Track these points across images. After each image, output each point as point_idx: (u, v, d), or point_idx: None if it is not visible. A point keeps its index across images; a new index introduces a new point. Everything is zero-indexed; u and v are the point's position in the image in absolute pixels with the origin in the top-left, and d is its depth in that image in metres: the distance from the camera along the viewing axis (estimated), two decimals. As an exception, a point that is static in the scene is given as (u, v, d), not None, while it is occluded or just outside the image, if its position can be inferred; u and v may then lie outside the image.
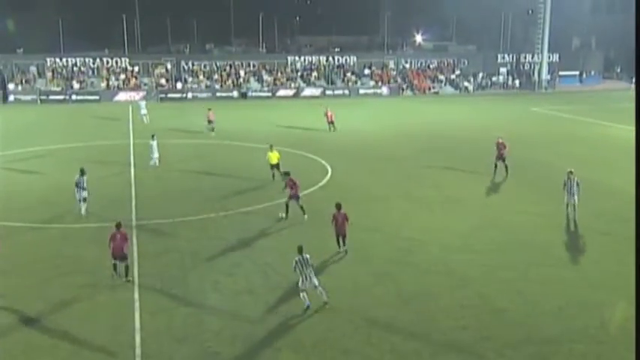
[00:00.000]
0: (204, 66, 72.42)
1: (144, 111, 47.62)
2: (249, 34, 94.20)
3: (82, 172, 23.66)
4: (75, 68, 68.05)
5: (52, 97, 62.88)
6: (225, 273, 18.42)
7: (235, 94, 68.18)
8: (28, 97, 62.44)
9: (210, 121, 42.33)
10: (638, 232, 13.22)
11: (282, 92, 69.24)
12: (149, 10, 77.70)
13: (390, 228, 22.52)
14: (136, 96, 63.66)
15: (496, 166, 29.54)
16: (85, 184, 23.47)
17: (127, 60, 70.55)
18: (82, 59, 68.99)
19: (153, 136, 32.50)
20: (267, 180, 28.37)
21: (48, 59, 67.75)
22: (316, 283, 15.81)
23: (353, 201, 24.08)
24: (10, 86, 63.46)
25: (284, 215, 23.11)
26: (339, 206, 19.68)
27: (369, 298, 16.59)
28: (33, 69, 66.71)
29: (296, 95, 69.11)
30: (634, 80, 64.70)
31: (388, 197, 26.68)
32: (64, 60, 68.39)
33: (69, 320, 15.35)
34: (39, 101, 62.25)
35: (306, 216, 22.87)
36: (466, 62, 79.79)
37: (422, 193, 27.30)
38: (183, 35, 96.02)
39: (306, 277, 15.67)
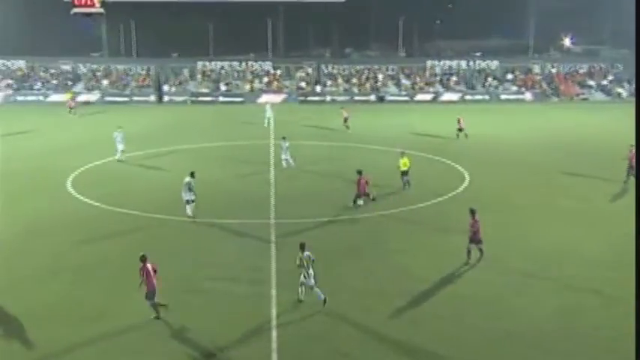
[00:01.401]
0: (343, 70, 73.56)
1: (268, 114, 49.21)
2: (388, 38, 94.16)
3: (192, 175, 24.14)
4: (222, 71, 71.96)
5: (201, 98, 66.85)
6: (356, 274, 18.57)
7: (373, 97, 68.48)
8: (181, 98, 66.80)
9: (345, 119, 45.37)
10: (638, 232, 11.98)
11: (420, 97, 68.56)
12: (292, 15, 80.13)
13: (528, 238, 21.57)
14: (277, 98, 66.00)
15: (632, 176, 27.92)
16: (193, 187, 23.74)
17: (270, 64, 73.45)
18: (229, 63, 72.95)
19: (284, 138, 33.49)
20: (398, 185, 28.14)
21: (199, 63, 72.23)
22: (312, 283, 16.18)
23: (491, 209, 23.36)
24: (165, 88, 68.27)
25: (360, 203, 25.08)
26: (473, 212, 19.12)
27: (506, 310, 15.99)
28: (185, 72, 71.36)
29: (434, 100, 68.13)
30: None
31: (528, 206, 25.59)
32: (213, 63, 72.65)
33: (206, 310, 16.19)
34: (189, 102, 66.39)
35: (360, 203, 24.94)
36: (620, 67, 74.47)
37: (564, 204, 25.89)
38: (324, 39, 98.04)
39: (307, 274, 16.16)
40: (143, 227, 22.95)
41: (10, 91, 64.99)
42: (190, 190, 23.67)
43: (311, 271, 16.28)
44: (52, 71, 69.55)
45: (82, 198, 26.64)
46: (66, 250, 20.48)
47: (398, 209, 25.11)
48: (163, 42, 77.21)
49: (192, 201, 23.70)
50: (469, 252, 19.06)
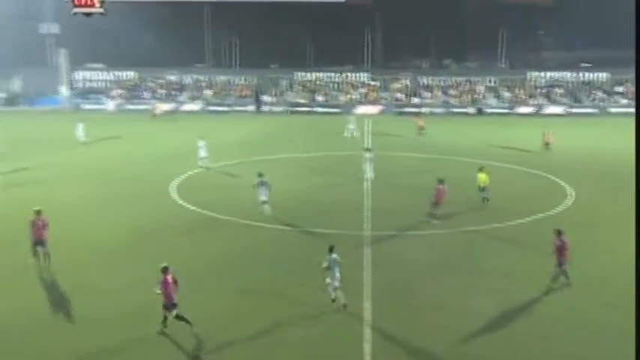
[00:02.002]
0: (441, 81, 72.55)
1: (352, 126, 49.31)
2: (487, 49, 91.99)
3: (261, 176, 25.82)
4: (320, 82, 72.90)
5: (298, 108, 68.04)
6: (450, 291, 18.11)
7: (471, 110, 67.08)
8: (279, 108, 68.29)
9: (421, 127, 48.09)
10: (638, 232, 11.10)
11: (521, 109, 66.45)
12: (391, 27, 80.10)
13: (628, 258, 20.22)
14: (373, 110, 66.08)
15: None
16: (265, 187, 25.41)
17: (368, 75, 73.66)
18: (326, 74, 73.83)
19: (368, 150, 33.28)
20: (491, 201, 27.23)
21: (297, 74, 73.60)
22: (337, 285, 16.43)
23: (593, 225, 22.15)
24: (264, 98, 70.03)
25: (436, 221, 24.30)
26: (559, 233, 18.15)
27: (597, 330, 15.10)
28: (284, 83, 72.90)
29: (537, 113, 65.78)
30: None
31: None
32: (311, 74, 73.77)
33: (299, 318, 16.31)
34: (287, 112, 67.70)
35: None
36: None
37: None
38: (422, 51, 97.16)
39: (333, 276, 16.37)
40: (240, 233, 23.51)
41: (121, 101, 68.90)
42: (264, 190, 25.32)
43: (338, 274, 16.44)
44: (160, 81, 73.11)
45: (185, 204, 27.65)
46: (170, 254, 21.27)
47: (492, 225, 24.32)
48: (263, 53, 79.27)
49: (265, 202, 25.19)
50: (562, 274, 18.11)
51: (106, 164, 36.85)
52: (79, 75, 73.58)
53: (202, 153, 35.22)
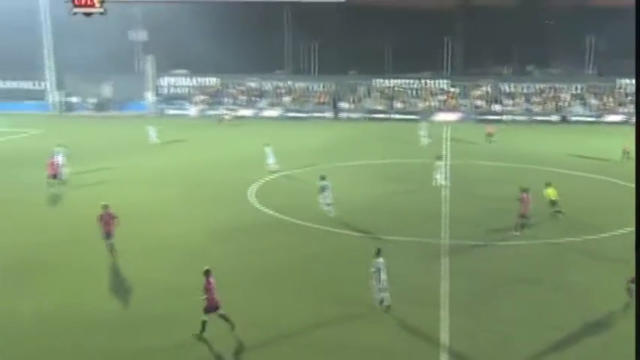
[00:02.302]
0: (523, 88, 70.56)
1: (423, 132, 48.68)
2: (573, 55, 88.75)
3: (324, 179, 26.48)
4: (398, 89, 72.47)
5: (375, 115, 67.86)
6: (532, 304, 17.55)
7: (555, 117, 64.88)
8: (356, 115, 68.36)
9: (490, 134, 48.14)
10: (638, 233, 11.32)
11: (610, 118, 63.67)
12: (471, 32, 78.68)
13: None
14: (452, 117, 65.07)
15: None
16: (326, 190, 26.01)
17: (447, 82, 72.60)
18: (404, 80, 73.30)
19: (440, 158, 33.13)
20: (571, 213, 26.07)
21: (374, 80, 73.47)
22: (385, 286, 16.68)
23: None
24: (342, 104, 70.29)
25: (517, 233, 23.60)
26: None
27: None
28: (361, 89, 72.93)
29: (627, 122, 62.79)
30: None
31: None
32: (389, 81, 73.45)
33: (370, 325, 16.21)
34: (364, 119, 67.66)
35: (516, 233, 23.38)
36: None
37: None
38: (504, 57, 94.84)
39: (379, 279, 16.63)
40: (316, 239, 23.69)
41: (204, 106, 70.91)
42: (327, 192, 26.02)
43: (384, 276, 16.70)
44: (241, 88, 74.77)
45: (262, 208, 28.08)
46: (246, 257, 21.70)
47: (571, 238, 23.41)
48: (342, 60, 79.59)
49: (330, 204, 25.92)
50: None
51: (184, 168, 37.90)
52: (164, 81, 76.27)
53: (270, 159, 36.23)
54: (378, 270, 16.79)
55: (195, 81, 76.24)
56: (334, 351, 14.91)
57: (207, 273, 15.40)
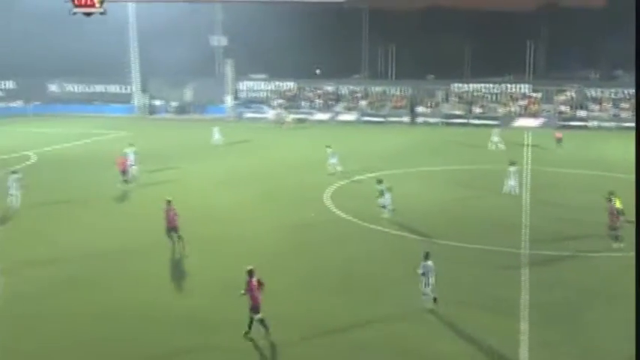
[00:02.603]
0: (611, 93, 67.42)
1: (497, 138, 47.53)
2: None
3: (381, 182, 26.92)
4: (477, 93, 70.85)
5: (453, 120, 66.57)
6: (613, 322, 16.55)
7: (647, 124, 61.63)
8: (434, 120, 67.31)
9: (559, 139, 45.90)
10: (638, 232, 12.01)
11: None
12: (555, 35, 76.13)
13: None
14: (533, 123, 63.04)
15: None
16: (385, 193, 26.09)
17: (529, 86, 70.34)
18: (484, 85, 71.57)
19: (513, 163, 31.98)
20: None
21: (453, 85, 72.13)
22: (429, 290, 16.82)
23: None
24: (419, 109, 69.42)
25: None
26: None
27: None
28: (439, 94, 71.77)
29: None
30: None
31: None
32: (468, 85, 71.94)
33: (455, 334, 15.79)
34: (441, 124, 66.54)
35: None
36: None
37: None
38: (590, 60, 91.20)
39: (427, 282, 16.74)
40: (390, 244, 23.51)
41: (281, 110, 71.82)
42: (384, 196, 26.12)
43: (432, 280, 16.79)
44: (318, 92, 75.23)
45: (339, 213, 28.01)
46: (324, 261, 21.72)
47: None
48: (420, 64, 78.81)
49: (385, 207, 26.01)
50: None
51: (260, 170, 38.35)
52: (243, 85, 77.76)
53: (332, 160, 36.77)
54: (427, 273, 16.84)
55: (273, 85, 77.35)
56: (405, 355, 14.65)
57: (250, 273, 15.45)
